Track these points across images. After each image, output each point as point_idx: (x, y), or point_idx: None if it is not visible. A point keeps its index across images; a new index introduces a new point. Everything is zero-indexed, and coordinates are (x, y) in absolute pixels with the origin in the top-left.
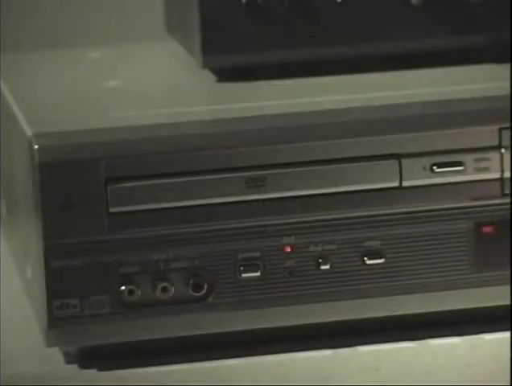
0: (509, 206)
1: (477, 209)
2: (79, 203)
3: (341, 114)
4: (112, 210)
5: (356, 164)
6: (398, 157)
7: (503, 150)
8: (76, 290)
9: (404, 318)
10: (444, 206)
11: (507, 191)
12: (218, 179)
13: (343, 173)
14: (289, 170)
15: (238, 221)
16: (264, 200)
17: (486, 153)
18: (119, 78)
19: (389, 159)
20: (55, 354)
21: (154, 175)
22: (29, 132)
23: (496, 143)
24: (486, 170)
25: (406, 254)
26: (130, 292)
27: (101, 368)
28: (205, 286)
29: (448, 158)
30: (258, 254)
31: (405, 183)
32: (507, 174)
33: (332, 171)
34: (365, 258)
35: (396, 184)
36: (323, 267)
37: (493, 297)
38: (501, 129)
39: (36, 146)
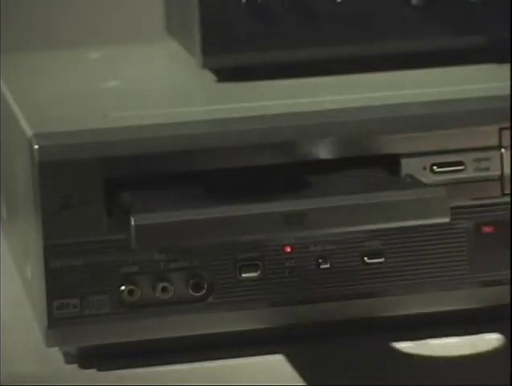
0: (509, 206)
1: (477, 209)
2: (79, 203)
3: (341, 114)
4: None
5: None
6: (398, 157)
7: (503, 150)
8: (76, 290)
9: (404, 318)
10: None
11: (507, 191)
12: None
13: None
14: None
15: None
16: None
17: (486, 153)
18: (119, 78)
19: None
20: (55, 354)
21: (154, 175)
22: (29, 132)
23: (496, 143)
24: (486, 170)
25: (406, 254)
26: (130, 292)
27: (101, 368)
28: (205, 286)
29: (448, 158)
30: (258, 254)
31: None
32: (507, 174)
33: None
34: (365, 258)
35: None
36: (323, 267)
37: (493, 297)
38: (501, 129)
39: (36, 146)
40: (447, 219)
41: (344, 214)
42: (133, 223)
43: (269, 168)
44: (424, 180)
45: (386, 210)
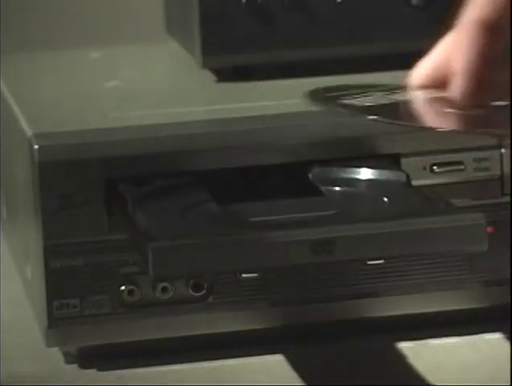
0: (509, 206)
1: (477, 209)
2: (79, 203)
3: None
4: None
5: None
6: (398, 157)
7: (503, 150)
8: (76, 290)
9: (404, 318)
10: None
11: (507, 191)
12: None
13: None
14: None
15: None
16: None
17: (486, 153)
18: (119, 78)
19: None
20: (55, 354)
21: (154, 175)
22: (29, 132)
23: (496, 143)
24: (486, 170)
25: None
26: (130, 292)
27: (101, 368)
28: (205, 286)
29: (448, 158)
30: None
31: None
32: (507, 174)
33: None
34: None
35: None
36: (323, 266)
37: (492, 297)
38: None
39: (36, 146)
40: (484, 248)
41: (376, 242)
42: (151, 251)
43: (269, 168)
44: (424, 180)
45: (422, 238)
